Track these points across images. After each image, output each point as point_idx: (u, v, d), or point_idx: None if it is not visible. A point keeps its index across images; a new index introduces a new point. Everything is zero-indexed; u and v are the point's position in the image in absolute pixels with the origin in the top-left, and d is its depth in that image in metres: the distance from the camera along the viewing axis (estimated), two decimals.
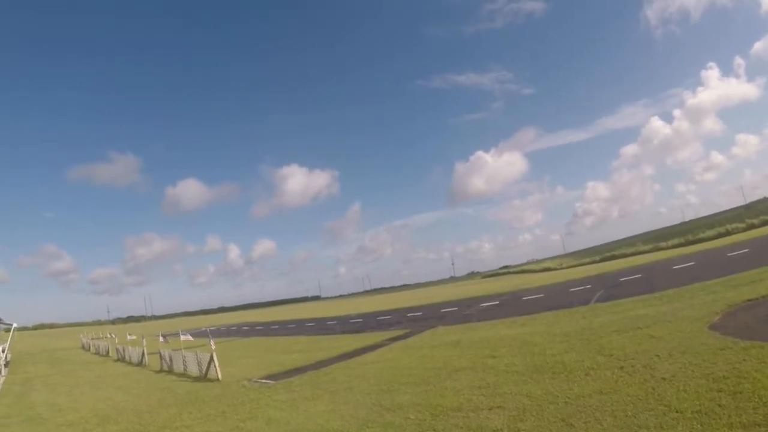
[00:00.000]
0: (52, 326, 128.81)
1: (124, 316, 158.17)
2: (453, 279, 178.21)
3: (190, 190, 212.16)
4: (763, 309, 13.70)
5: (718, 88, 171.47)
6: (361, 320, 42.45)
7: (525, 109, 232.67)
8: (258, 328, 55.88)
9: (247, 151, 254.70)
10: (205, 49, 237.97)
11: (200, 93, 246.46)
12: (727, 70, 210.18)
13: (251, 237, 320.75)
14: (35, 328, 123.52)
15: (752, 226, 62.84)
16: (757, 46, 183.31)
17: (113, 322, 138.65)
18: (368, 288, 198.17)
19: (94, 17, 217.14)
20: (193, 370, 22.45)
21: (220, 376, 19.83)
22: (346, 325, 40.30)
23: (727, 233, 63.49)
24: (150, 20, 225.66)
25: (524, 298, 35.32)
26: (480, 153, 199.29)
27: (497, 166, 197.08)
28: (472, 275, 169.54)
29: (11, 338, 39.72)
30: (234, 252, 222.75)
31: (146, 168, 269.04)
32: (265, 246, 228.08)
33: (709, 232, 68.09)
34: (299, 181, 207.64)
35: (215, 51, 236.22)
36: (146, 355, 30.48)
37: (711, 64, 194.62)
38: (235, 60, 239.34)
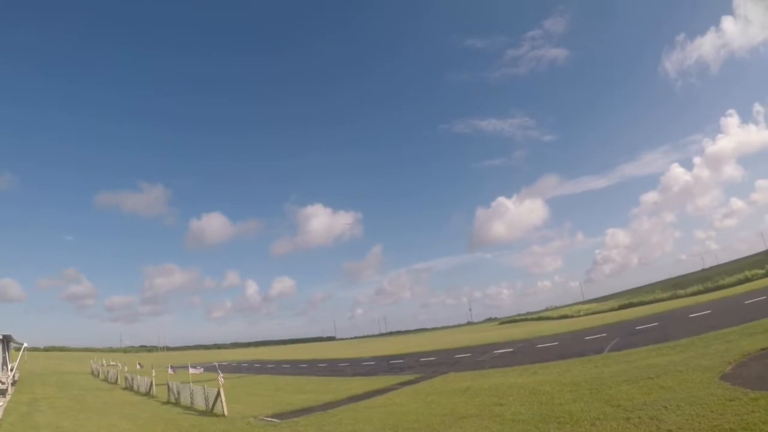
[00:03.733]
0: (62, 349, 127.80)
1: (137, 345, 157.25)
2: (470, 324, 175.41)
3: (214, 224, 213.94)
4: None
5: (738, 134, 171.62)
6: (373, 363, 41.96)
7: (546, 155, 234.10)
8: (269, 366, 55.46)
9: (274, 188, 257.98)
10: (241, 85, 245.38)
11: (234, 128, 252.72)
12: (746, 117, 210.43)
13: (271, 274, 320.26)
14: (46, 349, 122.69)
15: None
16: None
17: (125, 350, 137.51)
18: (384, 331, 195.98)
19: (142, 51, 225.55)
20: (200, 403, 22.46)
21: (226, 412, 19.80)
22: (357, 367, 39.85)
23: (747, 280, 62.01)
24: (189, 54, 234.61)
25: (538, 345, 34.71)
26: (501, 199, 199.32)
27: (518, 212, 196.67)
28: (489, 321, 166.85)
29: (21, 358, 39.75)
30: (252, 288, 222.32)
31: (174, 200, 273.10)
32: (284, 284, 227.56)
33: (729, 279, 66.51)
34: (323, 221, 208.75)
35: (251, 88, 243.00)
36: (154, 386, 30.47)
37: (731, 111, 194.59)
38: (271, 98, 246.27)
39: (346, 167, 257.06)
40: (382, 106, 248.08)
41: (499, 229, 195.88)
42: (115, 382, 41.01)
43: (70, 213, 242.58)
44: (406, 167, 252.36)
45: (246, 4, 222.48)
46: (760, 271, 63.86)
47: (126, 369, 42.07)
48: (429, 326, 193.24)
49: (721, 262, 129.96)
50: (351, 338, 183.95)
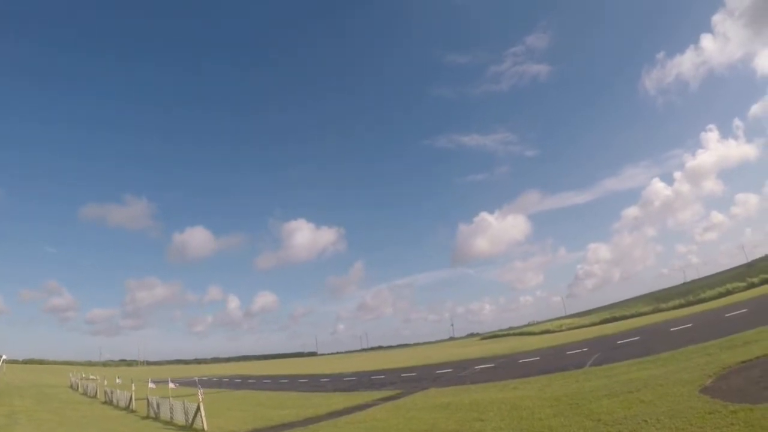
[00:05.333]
0: (42, 362, 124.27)
1: (116, 359, 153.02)
2: (452, 339, 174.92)
3: (197, 238, 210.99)
4: (756, 371, 13.39)
5: (718, 149, 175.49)
6: (354, 379, 41.44)
7: (528, 170, 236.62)
8: (250, 381, 54.47)
9: (258, 203, 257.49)
10: (226, 100, 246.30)
11: (218, 142, 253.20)
12: (726, 132, 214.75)
13: (253, 289, 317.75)
14: (25, 362, 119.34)
15: (752, 285, 62.39)
16: (755, 108, 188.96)
17: (104, 364, 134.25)
18: (366, 346, 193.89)
19: (127, 63, 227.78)
20: (180, 419, 22.01)
21: (206, 427, 19.41)
22: (339, 383, 39.31)
23: (728, 293, 62.99)
24: (175, 68, 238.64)
25: (520, 360, 34.58)
26: (484, 214, 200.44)
27: (501, 227, 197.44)
28: (471, 336, 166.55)
29: None
30: (234, 303, 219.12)
31: (159, 214, 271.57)
32: (266, 299, 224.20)
33: (710, 292, 67.52)
34: (306, 236, 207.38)
35: (236, 103, 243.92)
36: (134, 400, 29.92)
37: (710, 126, 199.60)
38: (255, 112, 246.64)
39: (330, 182, 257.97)
40: (366, 121, 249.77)
41: (481, 244, 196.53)
42: (95, 396, 40.24)
43: (53, 225, 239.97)
44: (389, 182, 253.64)
45: (233, 20, 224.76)
46: (741, 284, 64.90)
47: (105, 383, 41.19)
48: (411, 341, 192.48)
49: (702, 275, 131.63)
50: (333, 353, 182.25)
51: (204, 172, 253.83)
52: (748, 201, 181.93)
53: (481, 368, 34.06)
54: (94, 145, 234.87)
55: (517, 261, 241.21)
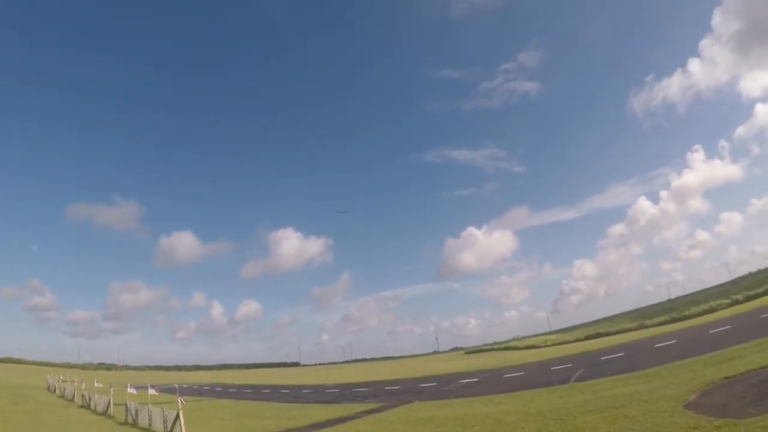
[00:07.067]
0: (19, 361, 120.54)
1: (95, 362, 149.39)
2: (436, 353, 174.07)
3: (184, 243, 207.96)
4: (739, 386, 13.35)
5: (703, 169, 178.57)
6: (337, 391, 41.00)
7: (516, 186, 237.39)
8: (231, 390, 53.60)
9: (247, 210, 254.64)
10: (218, 108, 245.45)
11: (210, 149, 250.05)
12: (712, 153, 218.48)
13: (238, 297, 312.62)
14: (2, 360, 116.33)
15: (736, 302, 62.76)
16: (740, 130, 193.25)
17: (83, 366, 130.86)
18: (349, 358, 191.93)
19: (122, 66, 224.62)
20: (158, 426, 21.56)
21: None
22: (321, 394, 38.87)
23: (712, 310, 63.35)
24: (169, 74, 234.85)
25: (505, 375, 34.34)
26: (471, 229, 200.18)
27: (488, 242, 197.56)
28: (455, 350, 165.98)
29: None
30: (218, 310, 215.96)
31: (147, 217, 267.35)
32: (250, 307, 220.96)
33: (694, 309, 67.85)
34: (294, 245, 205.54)
35: (227, 111, 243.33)
36: (112, 405, 29.44)
37: (697, 146, 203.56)
38: (248, 121, 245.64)
39: (319, 193, 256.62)
40: (356, 132, 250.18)
41: (468, 259, 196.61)
42: (72, 400, 39.77)
43: (38, 223, 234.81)
44: (378, 194, 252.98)
45: (228, 30, 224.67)
46: (725, 301, 65.39)
47: (84, 386, 40.60)
48: (395, 354, 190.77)
49: (686, 292, 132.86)
50: (316, 364, 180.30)
51: (194, 177, 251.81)
52: (732, 220, 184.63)
53: (465, 382, 33.77)
54: (85, 145, 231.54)
55: (503, 276, 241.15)
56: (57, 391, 47.25)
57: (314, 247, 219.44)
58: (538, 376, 29.48)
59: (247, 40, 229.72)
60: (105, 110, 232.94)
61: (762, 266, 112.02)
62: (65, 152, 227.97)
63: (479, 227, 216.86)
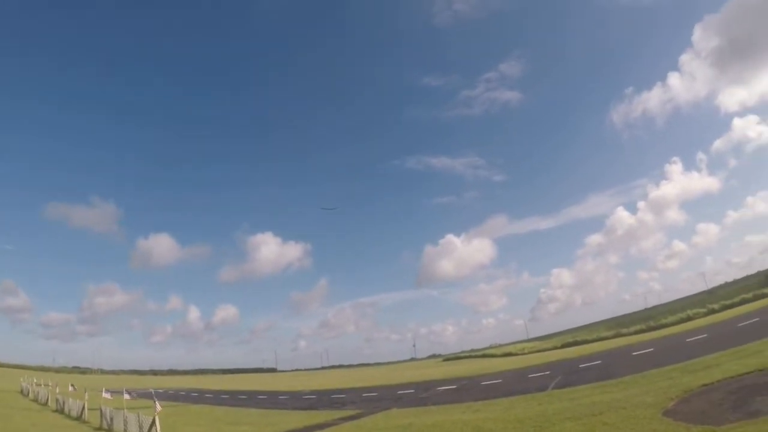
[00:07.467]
0: None
1: (70, 365, 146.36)
2: (413, 360, 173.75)
3: (161, 246, 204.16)
4: (717, 394, 13.34)
5: (681, 181, 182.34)
6: (314, 397, 40.53)
7: (495, 195, 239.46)
8: (208, 395, 52.64)
9: (226, 214, 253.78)
10: (197, 112, 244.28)
11: (190, 153, 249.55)
12: (689, 165, 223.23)
13: (215, 301, 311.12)
14: None
15: (713, 311, 63.67)
16: (718, 143, 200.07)
17: (57, 370, 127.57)
18: (326, 364, 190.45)
19: (107, 72, 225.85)
20: (134, 431, 21.06)
21: None
22: (298, 400, 38.36)
23: (689, 318, 64.17)
24: (146, 84, 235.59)
25: (483, 382, 34.14)
26: (450, 237, 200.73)
27: (466, 250, 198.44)
28: (433, 357, 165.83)
29: None
30: (194, 314, 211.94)
31: (125, 219, 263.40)
32: (227, 312, 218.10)
33: (671, 318, 68.66)
34: (272, 250, 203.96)
35: (207, 116, 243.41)
36: (87, 410, 28.78)
37: (675, 158, 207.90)
38: (228, 127, 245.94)
39: (298, 198, 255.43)
40: (338, 139, 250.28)
41: (446, 266, 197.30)
42: (46, 404, 39.05)
43: (13, 222, 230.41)
44: (357, 201, 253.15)
45: (209, 39, 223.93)
46: (702, 310, 66.33)
47: (58, 390, 39.79)
48: (372, 361, 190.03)
49: (663, 301, 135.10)
50: (293, 370, 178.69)
51: (173, 179, 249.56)
52: (708, 231, 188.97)
53: (443, 389, 33.52)
54: (63, 145, 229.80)
55: (481, 284, 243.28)
56: (31, 395, 46.42)
57: (293, 252, 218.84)
58: (516, 384, 29.36)
59: (228, 48, 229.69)
60: (86, 111, 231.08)
61: (738, 276, 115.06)
62: (43, 151, 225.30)
63: (458, 235, 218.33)
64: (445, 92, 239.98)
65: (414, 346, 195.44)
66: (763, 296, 60.73)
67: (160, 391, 58.22)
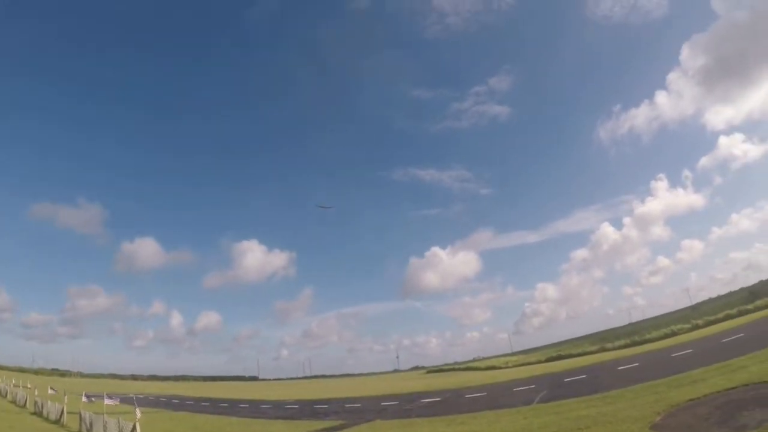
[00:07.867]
0: None
1: (49, 367, 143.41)
2: (396, 372, 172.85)
3: (146, 250, 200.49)
4: (703, 408, 13.24)
5: (666, 197, 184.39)
6: (297, 407, 40.00)
7: (482, 208, 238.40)
8: (188, 402, 51.86)
9: (212, 220, 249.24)
10: (188, 114, 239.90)
11: (179, 156, 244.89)
12: (675, 181, 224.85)
13: (198, 307, 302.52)
14: None
15: (697, 327, 63.88)
16: (703, 160, 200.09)
17: (36, 372, 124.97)
18: (308, 374, 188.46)
19: (99, 69, 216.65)
20: None
21: None
22: (280, 410, 37.84)
23: (673, 334, 64.36)
24: (143, 79, 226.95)
25: (467, 395, 33.82)
26: (436, 249, 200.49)
27: (452, 263, 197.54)
28: (416, 369, 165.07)
29: None
30: (177, 320, 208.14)
31: (110, 221, 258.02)
32: (210, 318, 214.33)
33: (655, 333, 68.77)
34: (257, 258, 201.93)
35: (196, 119, 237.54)
36: (66, 414, 28.37)
37: (660, 175, 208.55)
38: (217, 132, 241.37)
39: (284, 206, 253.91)
40: (325, 148, 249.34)
41: (431, 278, 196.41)
42: (24, 406, 38.64)
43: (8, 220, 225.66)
44: (343, 211, 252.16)
45: (200, 32, 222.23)
46: (686, 326, 66.60)
47: (37, 392, 39.18)
48: (355, 371, 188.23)
49: (647, 317, 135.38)
50: (275, 379, 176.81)
51: (161, 183, 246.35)
52: (693, 247, 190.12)
53: (427, 401, 33.17)
54: (50, 142, 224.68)
55: (465, 297, 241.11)
56: (9, 396, 45.99)
57: (278, 260, 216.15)
58: (502, 397, 29.06)
59: (217, 48, 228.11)
60: (74, 106, 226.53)
61: (722, 292, 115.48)
62: (30, 149, 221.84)
63: (444, 247, 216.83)
64: (434, 104, 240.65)
65: (397, 357, 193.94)
66: (746, 312, 61.10)
67: (141, 396, 57.12)
